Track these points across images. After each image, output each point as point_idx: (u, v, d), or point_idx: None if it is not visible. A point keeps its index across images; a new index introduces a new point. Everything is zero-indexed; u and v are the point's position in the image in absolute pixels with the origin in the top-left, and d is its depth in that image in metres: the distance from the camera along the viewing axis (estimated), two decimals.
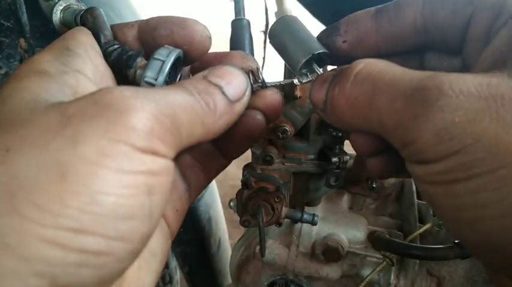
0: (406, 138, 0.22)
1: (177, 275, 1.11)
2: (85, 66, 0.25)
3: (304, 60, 0.30)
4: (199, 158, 0.33)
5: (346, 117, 0.25)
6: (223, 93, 0.25)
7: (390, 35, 0.29)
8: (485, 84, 0.20)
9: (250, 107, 0.30)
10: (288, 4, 1.19)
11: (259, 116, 0.31)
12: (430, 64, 0.30)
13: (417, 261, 0.61)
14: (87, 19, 0.29)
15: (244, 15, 0.56)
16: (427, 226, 0.58)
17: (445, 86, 0.20)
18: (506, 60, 0.22)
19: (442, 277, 0.60)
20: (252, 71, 0.30)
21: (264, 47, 0.81)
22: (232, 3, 0.56)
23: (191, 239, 0.96)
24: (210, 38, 0.30)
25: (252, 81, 0.29)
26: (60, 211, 0.17)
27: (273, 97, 0.31)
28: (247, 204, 0.52)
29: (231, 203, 0.60)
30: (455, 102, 0.20)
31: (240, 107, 0.26)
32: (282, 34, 0.32)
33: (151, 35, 0.29)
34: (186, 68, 0.33)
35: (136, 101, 0.20)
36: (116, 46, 0.29)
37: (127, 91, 0.20)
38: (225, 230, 1.13)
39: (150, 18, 0.30)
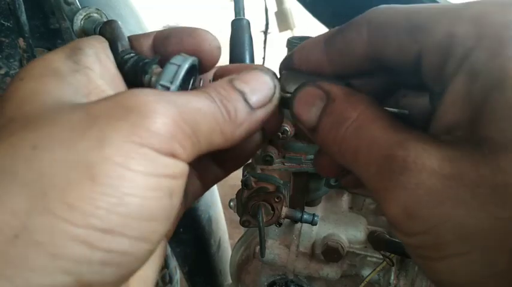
0: (381, 207, 0.22)
1: (177, 275, 1.11)
2: (94, 66, 0.26)
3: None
4: (198, 168, 0.33)
5: (335, 157, 0.25)
6: (246, 99, 0.24)
7: (344, 65, 0.27)
8: (448, 160, 0.19)
9: None
10: (288, 4, 1.19)
11: (256, 134, 0.31)
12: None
13: None
14: (106, 30, 0.31)
15: (244, 15, 0.56)
16: None
17: (410, 158, 0.20)
18: (466, 120, 0.20)
19: None
20: None
21: (264, 47, 0.81)
22: (232, 3, 0.56)
23: (191, 239, 0.96)
24: (218, 48, 0.30)
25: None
26: (91, 211, 0.18)
27: (274, 116, 0.30)
28: (247, 204, 0.52)
29: (231, 203, 0.60)
30: (417, 178, 0.19)
31: (262, 114, 0.25)
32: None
33: (163, 43, 0.30)
34: (208, 77, 0.34)
35: (159, 105, 0.20)
36: (132, 54, 0.30)
37: (151, 95, 0.21)
38: (225, 230, 1.13)
39: (165, 29, 0.31)
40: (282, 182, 0.54)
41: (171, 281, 1.08)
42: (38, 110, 0.21)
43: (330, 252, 0.60)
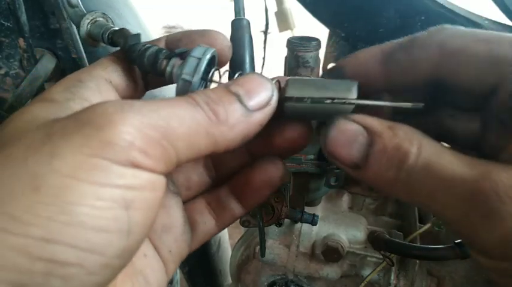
0: (469, 237, 0.22)
1: (177, 275, 1.11)
2: (93, 98, 0.26)
3: (356, 89, 0.26)
4: (213, 205, 0.33)
5: (395, 195, 0.24)
6: (241, 101, 0.24)
7: (402, 83, 0.26)
8: None
9: (270, 145, 0.29)
10: (287, 4, 1.19)
11: (278, 163, 0.31)
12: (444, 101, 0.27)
13: (417, 261, 0.61)
14: (119, 37, 0.31)
15: (244, 15, 0.56)
16: (427, 226, 0.58)
17: (501, 191, 0.20)
18: None
19: (442, 277, 0.60)
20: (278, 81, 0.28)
21: (264, 47, 0.81)
22: (232, 3, 0.56)
23: None
24: (230, 47, 0.31)
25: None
26: (30, 220, 0.17)
27: (297, 133, 0.29)
28: None
29: None
30: None
31: (260, 116, 0.24)
32: (305, 91, 0.27)
33: (176, 45, 0.30)
34: None
35: (117, 116, 0.20)
36: (153, 45, 0.30)
37: (112, 107, 0.20)
38: (225, 230, 1.13)
39: (177, 32, 0.32)
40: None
41: (171, 281, 1.08)
42: (13, 130, 0.22)
43: (330, 252, 0.60)
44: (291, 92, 0.27)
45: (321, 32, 0.65)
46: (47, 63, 0.54)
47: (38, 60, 0.53)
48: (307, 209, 0.57)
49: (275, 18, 1.20)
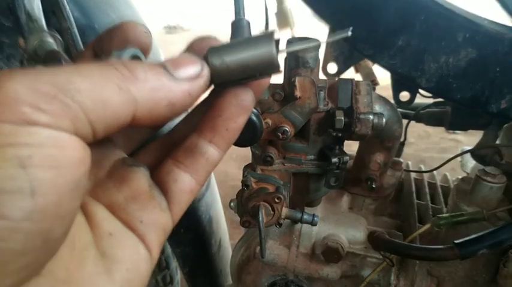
0: None
1: (178, 275, 1.11)
2: None
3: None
4: (180, 157, 0.29)
5: None
6: (166, 69, 0.23)
7: None
8: None
9: None
10: (287, 4, 1.19)
11: (247, 89, 0.28)
12: None
13: (417, 261, 0.61)
14: (50, 57, 0.34)
15: (244, 15, 0.56)
16: (427, 226, 0.58)
17: None
18: None
19: (442, 277, 0.60)
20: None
21: None
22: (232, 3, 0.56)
23: (191, 239, 0.96)
24: (145, 32, 0.30)
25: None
26: None
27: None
28: (247, 205, 0.52)
29: (232, 204, 0.60)
30: None
31: (188, 86, 0.24)
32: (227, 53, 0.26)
33: (99, 46, 0.30)
34: None
35: (2, 77, 0.19)
36: None
37: (5, 72, 0.19)
38: (225, 230, 1.13)
39: (98, 36, 0.31)
40: (282, 182, 0.54)
41: (171, 282, 1.08)
42: None
43: (330, 252, 0.60)
44: (214, 61, 0.26)
45: (320, 32, 0.65)
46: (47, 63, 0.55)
47: None
48: (307, 210, 0.57)
49: (275, 18, 1.20)
